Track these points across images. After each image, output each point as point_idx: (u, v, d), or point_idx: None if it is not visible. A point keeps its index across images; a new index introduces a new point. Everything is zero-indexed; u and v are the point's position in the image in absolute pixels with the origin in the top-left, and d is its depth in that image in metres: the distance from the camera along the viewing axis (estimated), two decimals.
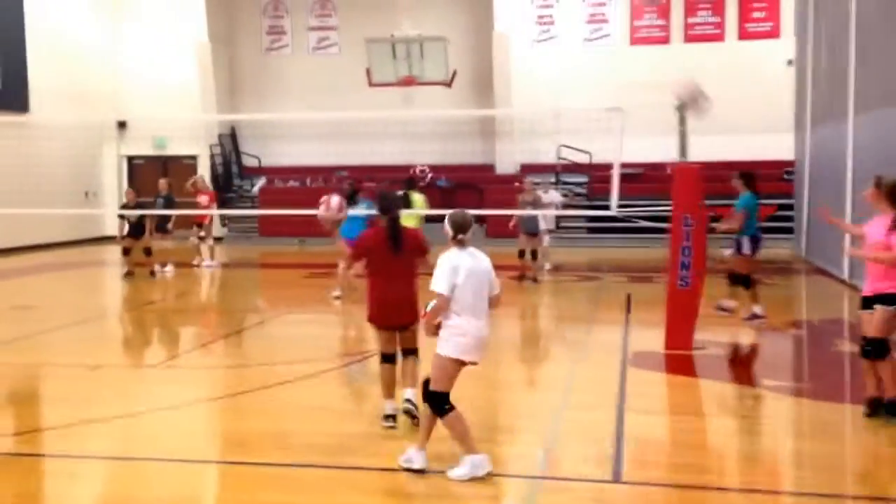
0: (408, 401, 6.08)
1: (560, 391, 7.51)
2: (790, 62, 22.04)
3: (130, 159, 25.55)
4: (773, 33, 22.22)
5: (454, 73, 21.40)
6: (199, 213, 17.42)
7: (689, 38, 22.62)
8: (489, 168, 23.98)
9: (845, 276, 13.54)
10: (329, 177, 24.45)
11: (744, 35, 22.35)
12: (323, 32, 24.63)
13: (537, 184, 16.08)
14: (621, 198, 17.71)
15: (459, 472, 5.14)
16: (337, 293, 12.43)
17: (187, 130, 23.60)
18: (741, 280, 10.27)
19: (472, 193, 22.37)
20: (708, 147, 21.11)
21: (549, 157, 22.81)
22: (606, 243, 20.71)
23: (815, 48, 16.73)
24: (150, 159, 25.34)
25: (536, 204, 14.79)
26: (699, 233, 8.12)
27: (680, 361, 8.28)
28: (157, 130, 24.34)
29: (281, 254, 21.02)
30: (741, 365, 8.78)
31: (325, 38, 24.57)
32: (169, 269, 16.20)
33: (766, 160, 21.36)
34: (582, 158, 22.23)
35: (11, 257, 19.34)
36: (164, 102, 23.92)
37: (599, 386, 7.47)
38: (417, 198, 13.88)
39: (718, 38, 22.43)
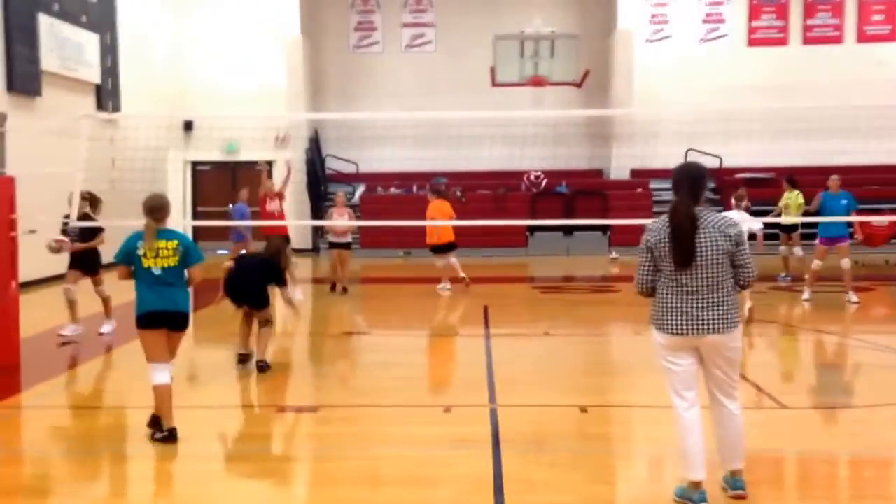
0: None
1: None
2: None
3: (195, 165, 23.42)
4: (892, 36, 21.96)
5: (586, 73, 20.30)
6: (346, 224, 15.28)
7: (808, 41, 22.15)
8: (598, 173, 22.93)
9: None
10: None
11: (862, 38, 22.01)
12: (417, 29, 23.12)
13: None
14: (754, 203, 17.13)
15: None
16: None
17: (266, 133, 21.61)
18: None
19: (595, 200, 21.25)
20: (826, 150, 20.80)
21: (662, 162, 21.89)
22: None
23: None
24: (216, 165, 23.26)
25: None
26: None
27: None
28: (228, 132, 22.04)
29: (419, 267, 19.43)
30: None
31: (419, 35, 23.07)
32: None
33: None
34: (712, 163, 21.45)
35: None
36: (237, 103, 21.87)
37: None
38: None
39: (837, 40, 22.03)
